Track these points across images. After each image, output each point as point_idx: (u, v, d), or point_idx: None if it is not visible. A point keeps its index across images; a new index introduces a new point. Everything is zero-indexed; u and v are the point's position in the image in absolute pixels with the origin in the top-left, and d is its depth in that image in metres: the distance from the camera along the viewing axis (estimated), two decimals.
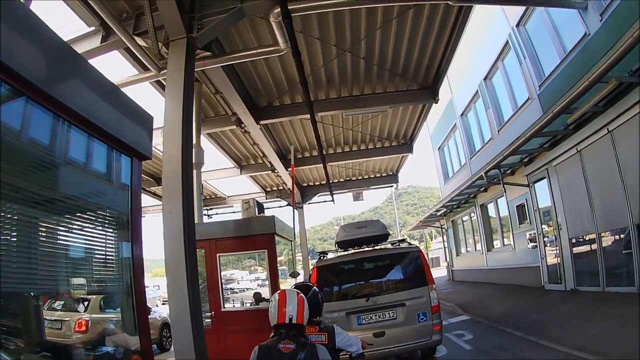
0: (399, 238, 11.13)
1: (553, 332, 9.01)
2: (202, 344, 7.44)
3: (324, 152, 18.47)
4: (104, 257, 4.48)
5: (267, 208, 25.69)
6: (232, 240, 10.09)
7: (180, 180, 7.68)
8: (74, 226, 4.11)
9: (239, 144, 18.78)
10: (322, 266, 9.03)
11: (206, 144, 17.21)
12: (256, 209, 10.64)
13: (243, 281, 13.14)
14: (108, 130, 4.37)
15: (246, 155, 20.66)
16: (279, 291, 3.72)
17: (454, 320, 13.51)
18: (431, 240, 76.88)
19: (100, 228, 4.41)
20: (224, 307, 10.04)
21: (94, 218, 4.38)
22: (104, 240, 4.45)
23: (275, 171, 20.89)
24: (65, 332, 10.15)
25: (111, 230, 4.49)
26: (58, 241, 3.95)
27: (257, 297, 10.39)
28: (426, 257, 10.60)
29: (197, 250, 9.54)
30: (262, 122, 15.16)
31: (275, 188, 27.23)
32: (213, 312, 9.97)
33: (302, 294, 3.72)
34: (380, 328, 8.25)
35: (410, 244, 10.07)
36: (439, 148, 28.94)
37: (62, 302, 10.62)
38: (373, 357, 7.84)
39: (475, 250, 24.20)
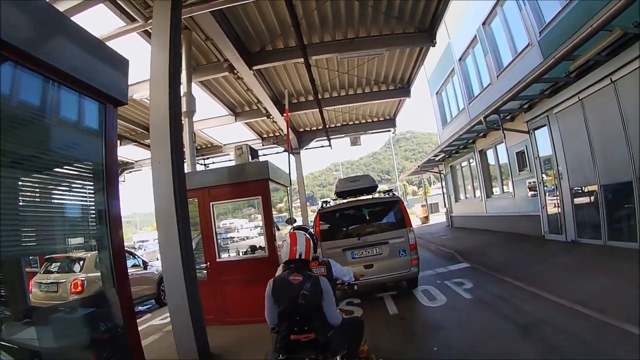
0: (386, 189, 12.60)
1: (553, 284, 8.80)
2: (195, 295, 7.32)
3: (320, 97, 18.14)
4: (79, 211, 4.16)
5: (264, 155, 25.58)
6: (226, 188, 9.75)
7: (168, 129, 7.40)
8: (44, 182, 3.84)
9: (233, 90, 18.28)
10: (323, 212, 10.73)
11: (199, 92, 16.79)
12: (249, 155, 10.26)
13: (243, 229, 12.88)
14: (76, 76, 3.99)
15: (240, 102, 20.18)
16: (289, 233, 4.52)
17: (453, 267, 13.28)
18: (430, 185, 77.67)
19: (73, 181, 4.11)
20: (219, 258, 9.81)
21: (66, 171, 4.07)
22: (78, 194, 4.16)
23: (271, 117, 20.50)
24: (61, 294, 10.13)
25: (85, 183, 4.17)
26: (29, 198, 3.70)
27: (252, 248, 10.28)
28: (416, 204, 13.27)
29: (190, 199, 9.33)
30: (255, 67, 14.68)
31: (271, 134, 26.79)
32: (209, 263, 9.77)
33: (308, 235, 4.53)
34: (369, 261, 10.02)
35: (394, 194, 11.46)
36: (436, 93, 28.12)
37: (58, 264, 10.53)
38: (366, 284, 9.73)
39: (475, 196, 23.76)
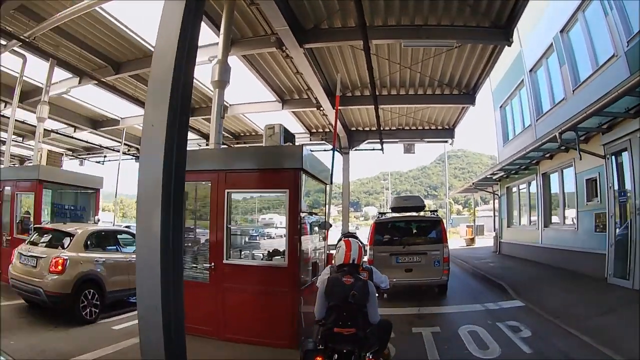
0: (432, 209, 14.94)
1: (628, 345, 6.74)
2: (177, 304, 5.23)
3: (377, 92, 15.97)
4: None
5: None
6: (247, 174, 7.70)
7: (171, 82, 5.35)
8: None
9: (281, 72, 16.20)
10: (379, 222, 13.04)
11: (241, 68, 14.90)
12: (282, 137, 8.07)
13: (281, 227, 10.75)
14: None
15: (289, 88, 18.15)
16: (343, 239, 5.06)
17: (506, 304, 11.01)
18: (474, 207, 75.68)
19: None
20: (227, 259, 7.74)
21: None
22: None
23: (321, 109, 18.40)
24: (40, 271, 8.50)
25: None
26: None
27: (271, 253, 8.17)
28: (445, 225, 13.34)
29: (203, 183, 7.87)
30: (307, 45, 12.65)
31: (320, 130, 24.65)
32: (213, 264, 7.75)
33: (360, 243, 5.06)
34: (410, 266, 11.91)
35: (437, 215, 13.87)
36: (500, 106, 25.72)
37: (50, 236, 8.59)
38: (404, 285, 12.03)
39: (530, 223, 21.01)
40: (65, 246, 9.54)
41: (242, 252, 8.30)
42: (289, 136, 8.31)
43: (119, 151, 28.03)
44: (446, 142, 26.25)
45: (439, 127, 24.27)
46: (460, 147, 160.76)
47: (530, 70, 20.23)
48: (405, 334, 8.29)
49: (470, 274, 17.61)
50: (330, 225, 9.87)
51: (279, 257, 7.66)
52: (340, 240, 5.34)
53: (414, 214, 13.81)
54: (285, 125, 8.30)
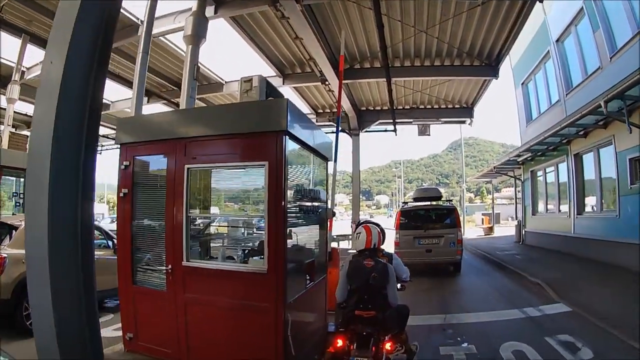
0: (448, 199, 17.89)
1: None
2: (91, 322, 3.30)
3: (389, 63, 13.73)
4: None
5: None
6: (212, 143, 5.46)
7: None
8: None
9: (277, 38, 14.01)
10: (404, 210, 14.98)
11: (235, 39, 12.88)
12: (264, 94, 5.63)
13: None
14: None
15: (289, 60, 16.00)
16: (363, 225, 5.01)
17: (549, 309, 8.70)
18: (487, 194, 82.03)
19: None
20: (187, 260, 5.47)
21: None
22: None
23: (327, 83, 16.15)
24: None
25: None
26: None
27: (248, 252, 5.91)
28: (459, 212, 15.48)
29: (157, 156, 6.02)
30: (306, 0, 10.52)
31: (327, 110, 22.39)
32: (170, 267, 5.54)
33: (379, 229, 5.06)
34: (430, 247, 13.68)
35: (451, 203, 16.24)
36: (522, 83, 23.49)
37: None
38: (426, 263, 13.84)
39: (559, 211, 19.02)
40: (5, 242, 7.74)
41: (211, 251, 6.10)
42: (274, 93, 5.97)
43: (113, 139, 25.70)
44: (464, 122, 24.12)
45: (457, 106, 22.12)
46: (472, 134, 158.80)
47: (557, 40, 18.09)
48: (430, 353, 6.21)
49: (496, 267, 15.54)
50: (334, 214, 7.57)
51: (258, 257, 5.44)
52: (358, 226, 5.12)
53: (433, 203, 15.74)
54: None
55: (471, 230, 35.97)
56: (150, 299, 5.75)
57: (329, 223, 7.71)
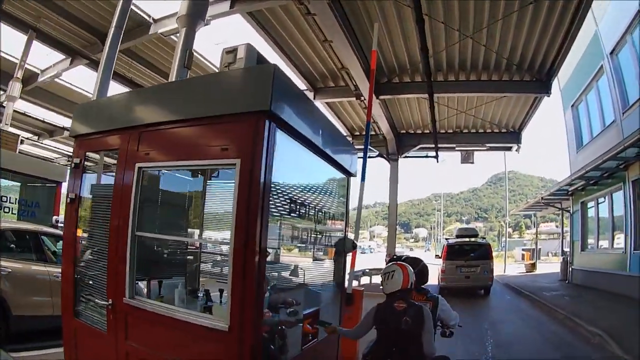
0: (482, 236, 21.81)
1: None
2: None
3: (431, 76, 12.12)
4: None
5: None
6: (170, 132, 3.75)
7: None
8: None
9: (304, 41, 12.44)
10: (449, 245, 18.64)
11: (258, 43, 11.40)
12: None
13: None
14: None
15: (321, 71, 14.49)
16: (396, 263, 4.18)
17: None
18: (526, 229, 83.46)
19: None
20: (130, 297, 3.78)
21: None
22: None
23: (362, 99, 14.65)
24: None
25: None
26: None
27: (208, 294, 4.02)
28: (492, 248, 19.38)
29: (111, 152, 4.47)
30: None
31: (364, 133, 20.50)
32: (111, 301, 3.88)
33: (407, 267, 4.09)
34: (468, 274, 17.12)
35: (485, 240, 20.56)
36: (572, 105, 21.63)
37: None
38: (464, 287, 16.95)
39: (613, 246, 17.05)
40: None
41: (164, 288, 4.26)
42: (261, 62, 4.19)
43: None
44: (510, 149, 22.35)
45: (503, 130, 20.26)
46: (511, 168, 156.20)
47: (611, 52, 16.39)
48: None
49: (545, 311, 13.60)
50: (355, 246, 5.60)
51: (220, 304, 3.59)
52: (391, 263, 4.23)
53: (472, 239, 19.14)
54: None
55: (511, 266, 33.56)
56: (90, 339, 4.23)
57: (351, 258, 5.79)
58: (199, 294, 3.99)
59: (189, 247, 5.09)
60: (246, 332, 3.08)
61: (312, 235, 4.86)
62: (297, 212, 4.27)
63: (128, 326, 3.80)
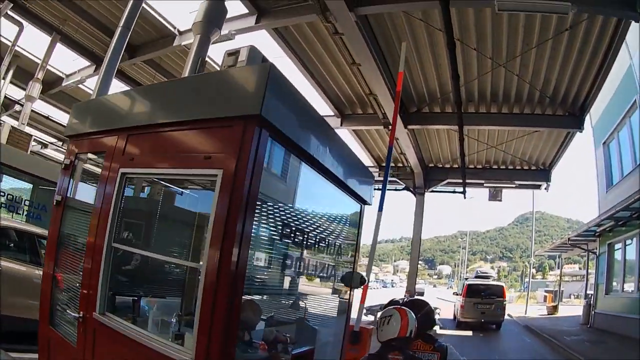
0: (496, 278, 29.29)
1: None
2: None
3: (462, 107, 11.94)
4: None
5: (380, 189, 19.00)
6: (156, 136, 3.39)
7: None
8: None
9: (332, 64, 12.06)
10: (469, 284, 21.43)
11: (285, 66, 11.25)
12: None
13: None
14: None
15: (349, 96, 14.07)
16: (395, 307, 3.61)
17: None
18: (549, 270, 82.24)
19: None
20: (100, 313, 3.44)
21: None
22: None
23: (390, 127, 14.02)
24: None
25: None
26: None
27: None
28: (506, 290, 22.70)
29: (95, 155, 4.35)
30: (361, 9, 8.73)
31: (392, 164, 19.78)
32: (81, 314, 3.55)
33: (408, 312, 3.55)
34: (484, 310, 19.62)
35: (499, 281, 26.73)
36: (603, 143, 21.16)
37: None
38: (481, 322, 19.54)
39: (639, 289, 16.15)
40: None
41: (140, 309, 3.85)
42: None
43: None
44: (539, 187, 21.38)
45: (532, 167, 19.38)
46: (538, 208, 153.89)
47: None
48: None
49: (565, 358, 13.30)
50: (363, 281, 5.11)
51: (189, 335, 3.13)
52: (388, 308, 3.69)
53: (489, 281, 23.15)
54: None
55: (532, 307, 32.41)
56: (62, 350, 3.97)
57: (362, 294, 5.28)
58: (172, 320, 3.53)
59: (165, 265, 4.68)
60: None
61: (312, 266, 4.41)
62: (292, 239, 3.85)
63: (96, 343, 3.46)
